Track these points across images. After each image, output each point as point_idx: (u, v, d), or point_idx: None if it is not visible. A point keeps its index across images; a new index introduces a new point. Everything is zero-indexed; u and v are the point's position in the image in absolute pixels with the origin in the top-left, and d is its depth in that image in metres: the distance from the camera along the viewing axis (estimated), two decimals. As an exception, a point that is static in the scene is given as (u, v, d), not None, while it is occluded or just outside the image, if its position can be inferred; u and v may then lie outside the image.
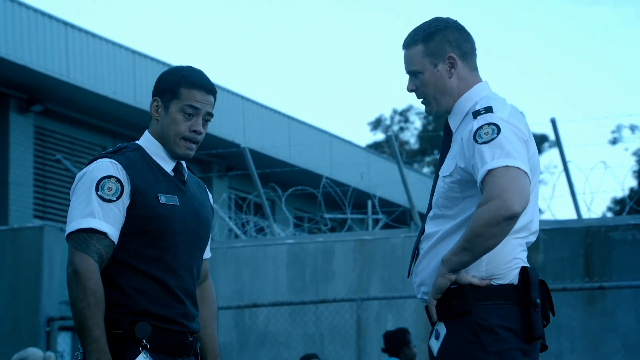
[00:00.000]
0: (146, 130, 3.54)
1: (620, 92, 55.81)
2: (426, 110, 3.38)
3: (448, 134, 3.33)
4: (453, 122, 3.31)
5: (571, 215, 9.89)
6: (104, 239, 3.30)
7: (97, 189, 3.33)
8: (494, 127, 3.13)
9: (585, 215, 9.72)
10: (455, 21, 3.37)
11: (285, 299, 9.51)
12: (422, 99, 3.36)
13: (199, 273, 3.52)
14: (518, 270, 3.17)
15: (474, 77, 3.33)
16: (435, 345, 3.18)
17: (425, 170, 36.67)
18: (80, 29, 15.30)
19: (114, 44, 15.85)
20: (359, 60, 58.83)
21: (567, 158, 9.76)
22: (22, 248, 9.82)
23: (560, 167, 9.85)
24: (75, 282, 3.26)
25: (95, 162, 3.40)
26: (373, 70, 58.37)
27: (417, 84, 3.34)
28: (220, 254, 10.01)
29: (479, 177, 3.10)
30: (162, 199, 3.39)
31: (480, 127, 3.14)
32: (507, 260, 3.17)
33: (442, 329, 3.17)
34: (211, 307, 3.65)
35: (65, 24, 15.06)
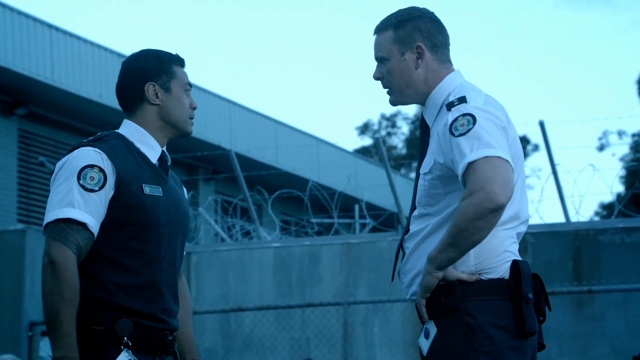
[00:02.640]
0: (125, 120, 3.42)
1: (612, 97, 56.07)
2: (390, 101, 3.26)
3: (425, 130, 3.22)
4: (429, 117, 3.21)
5: (560, 218, 9.83)
6: (83, 231, 3.17)
7: (78, 178, 3.19)
8: (469, 117, 3.01)
9: (573, 218, 9.66)
10: (432, 12, 3.27)
11: (271, 303, 9.42)
12: (387, 89, 3.25)
13: (179, 268, 3.42)
14: (509, 264, 3.06)
15: (445, 69, 3.22)
16: (425, 344, 3.08)
17: (413, 175, 36.62)
18: (65, 32, 15.18)
19: (99, 46, 15.75)
20: (346, 65, 58.88)
21: (556, 161, 9.70)
22: (4, 251, 9.70)
23: (547, 170, 9.79)
24: (51, 274, 3.12)
25: (77, 150, 3.26)
26: (361, 75, 58.40)
27: (384, 71, 3.23)
28: (205, 257, 9.92)
29: (459, 171, 2.98)
30: (147, 189, 3.28)
31: (456, 119, 3.03)
32: (497, 254, 3.05)
33: (432, 327, 3.06)
34: (186, 306, 3.55)
35: (50, 26, 14.95)
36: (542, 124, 9.58)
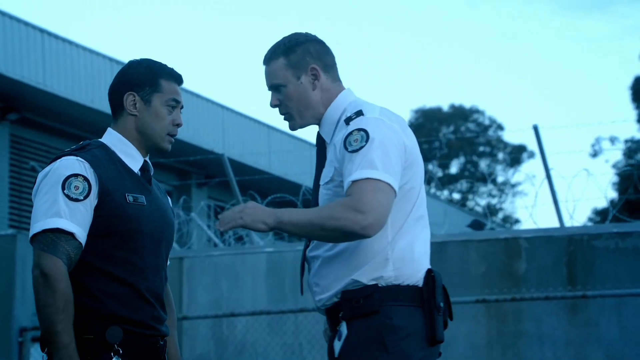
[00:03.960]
0: (109, 128, 3.39)
1: (607, 103, 56.26)
2: (290, 126, 3.32)
3: (321, 146, 3.30)
4: (325, 134, 3.28)
5: (554, 223, 9.78)
6: (72, 240, 3.15)
7: (63, 188, 3.17)
8: (363, 133, 3.09)
9: (568, 223, 9.61)
10: (315, 35, 3.35)
11: (264, 308, 9.35)
12: (285, 114, 3.31)
13: (166, 276, 3.39)
14: (423, 273, 3.14)
15: (337, 86, 3.31)
16: (338, 346, 3.12)
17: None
18: (57, 36, 15.12)
19: (91, 51, 15.68)
20: (339, 72, 58.79)
21: (550, 165, 9.64)
22: (-5, 256, 9.63)
23: (540, 175, 9.74)
24: (44, 286, 3.09)
25: (59, 160, 3.24)
26: (354, 82, 58.34)
27: (281, 98, 3.29)
28: (198, 262, 9.85)
29: (345, 185, 3.06)
30: (130, 198, 3.26)
31: (350, 133, 3.11)
32: (415, 261, 3.13)
33: (344, 329, 3.11)
34: (171, 315, 3.52)
35: (42, 31, 14.88)
36: (536, 128, 9.53)
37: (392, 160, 3.07)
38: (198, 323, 9.57)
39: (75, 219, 3.16)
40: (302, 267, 3.27)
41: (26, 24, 14.67)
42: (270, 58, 3.33)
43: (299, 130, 3.36)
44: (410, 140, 3.18)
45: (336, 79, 3.32)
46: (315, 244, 3.22)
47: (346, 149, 3.10)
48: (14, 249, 9.49)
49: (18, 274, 9.43)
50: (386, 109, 3.22)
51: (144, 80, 3.34)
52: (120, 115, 3.36)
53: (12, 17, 14.44)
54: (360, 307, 3.08)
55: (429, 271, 3.14)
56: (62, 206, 3.15)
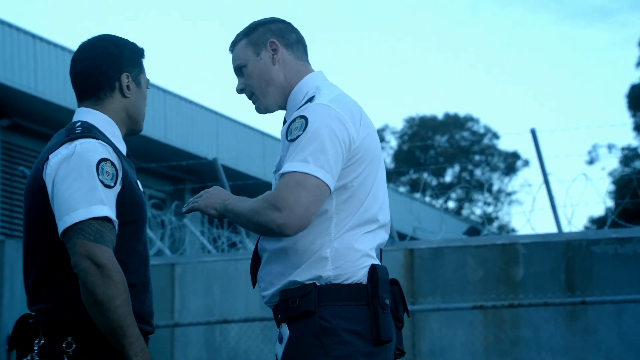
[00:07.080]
0: (89, 109, 3.12)
1: (607, 111, 56.42)
2: (256, 108, 3.16)
3: None
4: (289, 118, 3.09)
5: (552, 228, 9.66)
6: (114, 229, 2.93)
7: (98, 173, 2.92)
8: (303, 121, 2.92)
9: (566, 229, 9.49)
10: (282, 19, 3.22)
11: (257, 315, 9.22)
12: (251, 97, 3.16)
13: None
14: (367, 269, 2.96)
15: (303, 66, 3.15)
16: (280, 349, 2.97)
17: (401, 189, 36.55)
18: (48, 42, 15.01)
19: (83, 57, 15.56)
20: (334, 78, 58.87)
21: (547, 170, 9.52)
22: (-17, 263, 9.49)
23: (537, 182, 9.60)
24: (104, 277, 2.84)
25: (77, 141, 2.96)
26: (349, 89, 58.36)
27: (244, 80, 3.16)
28: (190, 269, 9.74)
29: (277, 175, 2.94)
30: (140, 184, 3.10)
31: (293, 120, 2.96)
32: (356, 258, 2.96)
33: (285, 331, 2.95)
34: None
35: (34, 36, 14.77)
36: (533, 132, 9.41)
37: (329, 152, 2.89)
38: (190, 330, 9.45)
39: (112, 207, 2.94)
40: (253, 260, 3.11)
41: (17, 29, 14.56)
42: (233, 43, 3.21)
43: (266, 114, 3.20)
44: (362, 134, 2.99)
45: (301, 58, 3.16)
46: (262, 239, 3.09)
47: (287, 137, 2.95)
48: (3, 255, 9.36)
49: (7, 281, 9.30)
50: (343, 94, 3.06)
51: (135, 60, 3.15)
52: (106, 96, 3.10)
53: (3, 23, 14.32)
54: (297, 307, 2.93)
55: (372, 267, 2.97)
56: (102, 193, 2.91)
